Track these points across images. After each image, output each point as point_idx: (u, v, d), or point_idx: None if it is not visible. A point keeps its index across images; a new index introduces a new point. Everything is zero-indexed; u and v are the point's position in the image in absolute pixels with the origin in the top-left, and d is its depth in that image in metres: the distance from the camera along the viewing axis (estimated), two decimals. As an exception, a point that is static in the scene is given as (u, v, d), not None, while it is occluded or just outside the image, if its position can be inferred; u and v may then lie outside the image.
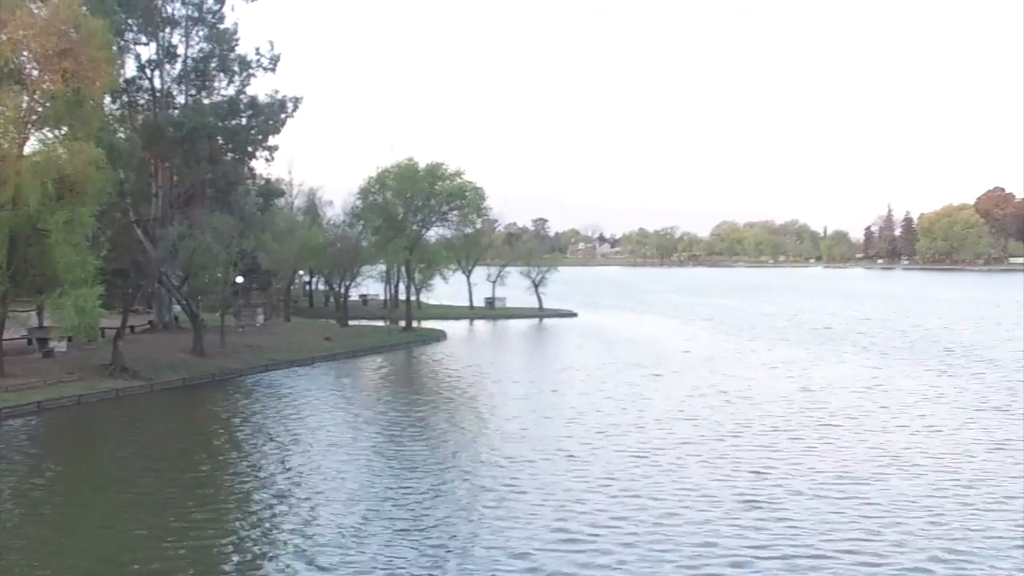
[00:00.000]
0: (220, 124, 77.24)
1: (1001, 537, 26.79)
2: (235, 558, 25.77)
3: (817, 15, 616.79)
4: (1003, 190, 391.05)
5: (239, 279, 73.36)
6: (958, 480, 33.13)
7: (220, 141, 78.10)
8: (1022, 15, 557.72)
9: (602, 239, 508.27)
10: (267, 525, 28.55)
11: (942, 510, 29.39)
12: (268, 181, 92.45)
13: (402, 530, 27.58)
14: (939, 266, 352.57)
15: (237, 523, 28.92)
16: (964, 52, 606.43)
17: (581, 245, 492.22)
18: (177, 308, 76.79)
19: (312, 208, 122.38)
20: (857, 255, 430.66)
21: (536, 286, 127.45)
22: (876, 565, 24.44)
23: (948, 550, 25.56)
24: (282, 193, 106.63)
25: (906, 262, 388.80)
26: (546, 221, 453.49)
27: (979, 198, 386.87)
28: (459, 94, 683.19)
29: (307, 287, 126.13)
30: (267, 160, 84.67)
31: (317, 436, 42.04)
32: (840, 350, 75.58)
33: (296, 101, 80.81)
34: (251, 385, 59.08)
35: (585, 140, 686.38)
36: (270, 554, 25.85)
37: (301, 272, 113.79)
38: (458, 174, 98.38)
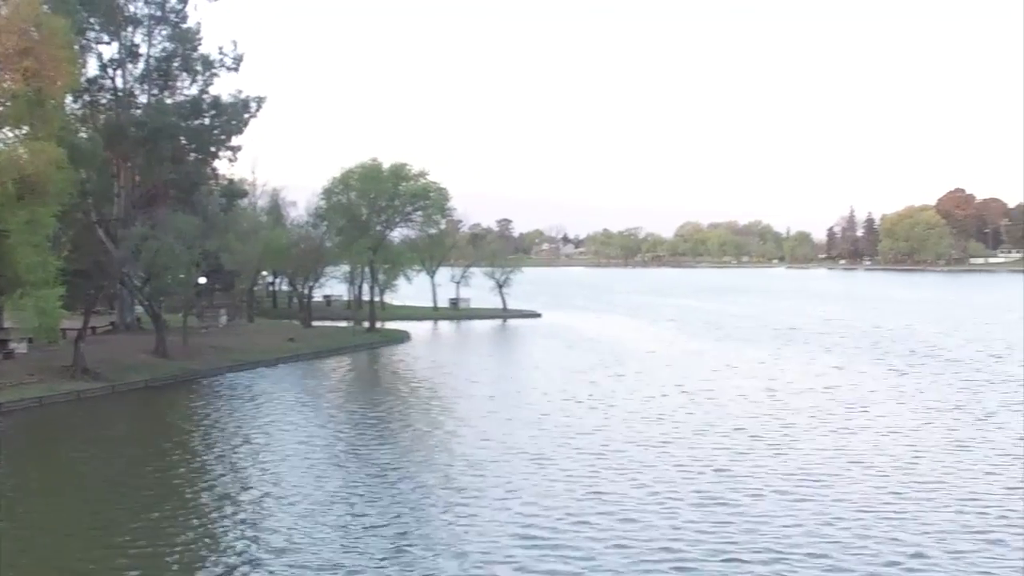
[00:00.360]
0: (183, 124, 76.94)
1: (961, 537, 27.08)
2: (186, 559, 25.60)
3: (782, 17, 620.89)
4: (964, 191, 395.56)
5: (202, 280, 73.04)
6: (917, 480, 33.43)
7: (183, 141, 77.79)
8: (984, 20, 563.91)
9: (566, 240, 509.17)
10: (221, 526, 28.46)
11: (904, 511, 29.63)
12: (231, 181, 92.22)
13: (366, 527, 27.63)
14: (901, 266, 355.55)
15: (192, 524, 28.76)
16: (925, 55, 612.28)
17: (545, 245, 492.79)
18: (139, 309, 76.34)
19: (276, 209, 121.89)
20: (820, 256, 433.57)
21: (500, 287, 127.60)
22: (839, 569, 24.60)
23: (908, 551, 25.78)
24: (245, 193, 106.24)
25: (868, 262, 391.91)
26: (510, 222, 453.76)
27: (940, 199, 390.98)
28: (423, 95, 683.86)
29: (271, 288, 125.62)
30: (230, 160, 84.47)
31: (279, 438, 41.92)
32: (804, 350, 76.11)
33: (259, 101, 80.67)
34: (214, 386, 58.85)
35: (550, 141, 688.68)
36: (222, 557, 25.73)
37: (265, 273, 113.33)
38: (422, 174, 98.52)
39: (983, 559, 25.14)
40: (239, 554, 25.76)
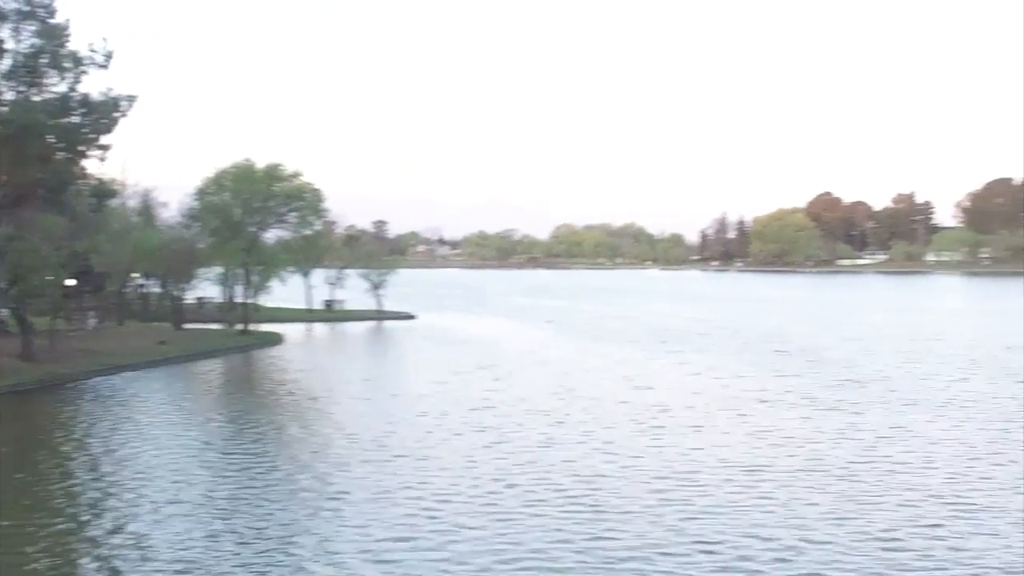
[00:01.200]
0: (51, 122, 75.16)
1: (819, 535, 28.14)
2: (39, 569, 25.23)
3: (651, 17, 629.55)
4: (832, 195, 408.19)
5: (70, 282, 71.59)
6: (787, 478, 34.60)
7: (51, 139, 76.06)
8: (851, 27, 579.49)
9: (442, 241, 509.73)
10: (81, 535, 28.13)
11: (766, 510, 30.73)
12: (101, 181, 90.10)
13: (235, 532, 27.74)
14: (771, 268, 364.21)
15: (50, 532, 28.30)
16: (792, 61, 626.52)
17: (421, 247, 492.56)
18: (4, 312, 74.53)
19: (147, 209, 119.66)
20: (692, 257, 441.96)
21: (375, 288, 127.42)
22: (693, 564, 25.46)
23: (765, 549, 26.69)
24: (116, 193, 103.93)
25: (740, 264, 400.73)
26: (386, 223, 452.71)
27: (809, 202, 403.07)
28: (297, 95, 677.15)
29: (141, 290, 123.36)
30: (100, 160, 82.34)
31: (149, 442, 41.45)
32: (678, 351, 77.67)
33: (130, 100, 79.09)
34: (83, 390, 57.84)
35: (425, 142, 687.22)
36: (78, 566, 25.56)
37: (135, 275, 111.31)
38: (296, 175, 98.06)
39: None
40: (99, 560, 25.60)
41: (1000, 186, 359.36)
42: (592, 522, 28.78)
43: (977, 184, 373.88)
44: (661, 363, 70.34)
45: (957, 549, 26.23)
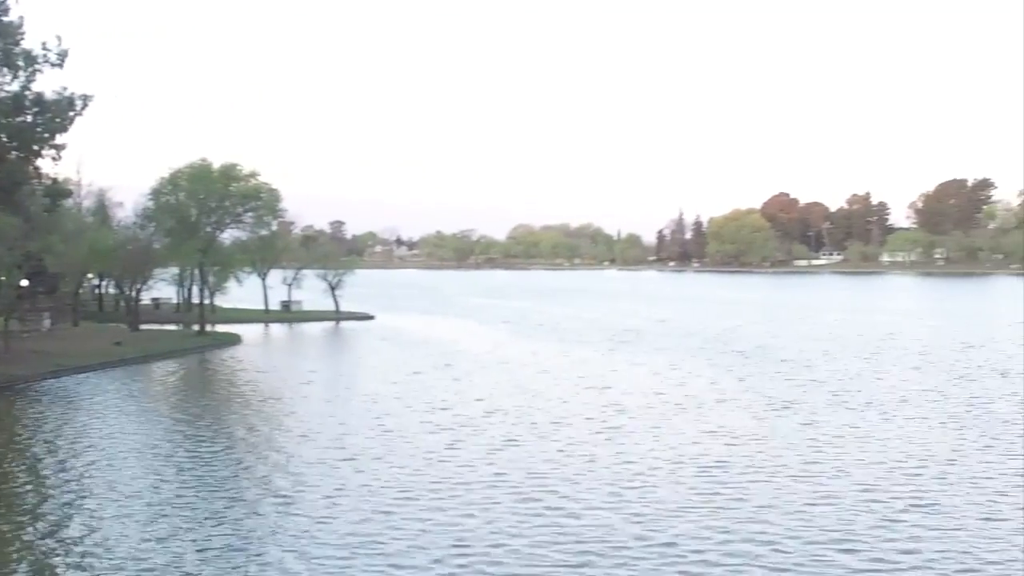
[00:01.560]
0: (4, 121, 74.53)
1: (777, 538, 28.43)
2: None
3: (606, 19, 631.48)
4: (788, 195, 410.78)
5: (24, 282, 70.97)
6: (739, 478, 34.91)
7: (4, 139, 75.40)
8: (806, 30, 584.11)
9: (400, 242, 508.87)
10: (25, 539, 27.87)
11: (715, 505, 31.09)
12: (55, 181, 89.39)
13: (186, 536, 27.57)
14: (728, 268, 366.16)
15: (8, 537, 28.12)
16: (747, 63, 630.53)
17: (379, 248, 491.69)
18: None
19: (102, 209, 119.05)
20: (650, 258, 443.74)
21: (333, 289, 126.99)
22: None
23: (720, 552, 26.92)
24: (70, 193, 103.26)
25: (697, 264, 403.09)
26: (343, 223, 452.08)
27: (765, 203, 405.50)
28: (252, 94, 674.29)
29: (97, 291, 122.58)
30: (54, 159, 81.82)
31: (105, 444, 41.14)
32: (636, 351, 77.95)
33: (85, 99, 78.57)
34: (37, 392, 57.27)
35: (382, 142, 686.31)
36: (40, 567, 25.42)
37: (90, 275, 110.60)
38: (253, 175, 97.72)
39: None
40: (38, 567, 25.42)
41: (953, 187, 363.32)
42: (547, 524, 28.91)
43: (930, 185, 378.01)
44: (616, 363, 70.65)
45: (910, 552, 26.46)
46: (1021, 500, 31.04)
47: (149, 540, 27.15)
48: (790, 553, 25.98)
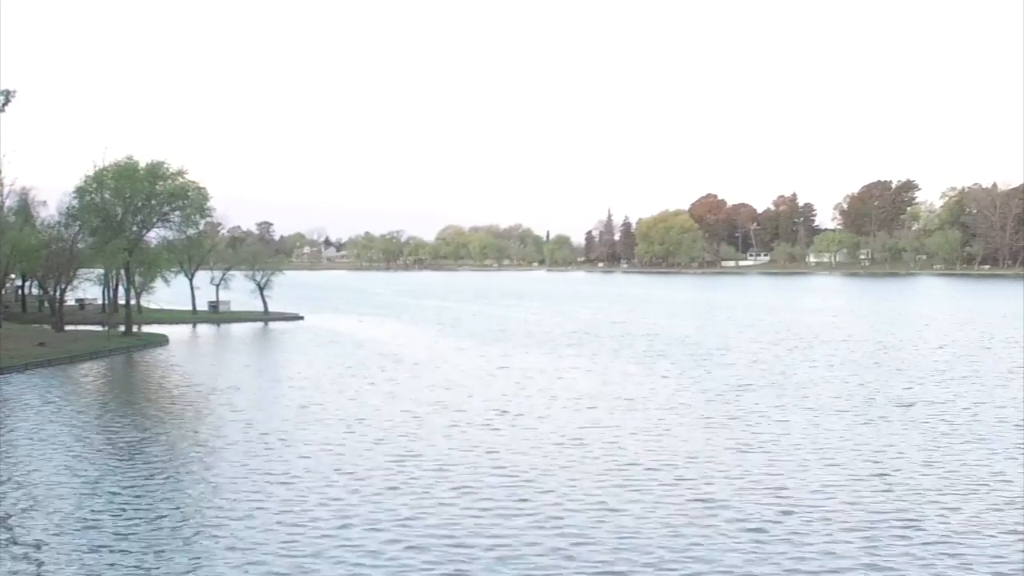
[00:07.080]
0: (-78, 119, 73.48)
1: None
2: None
3: (534, 20, 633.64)
4: (715, 197, 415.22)
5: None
6: (669, 476, 35.46)
7: (-78, 137, 74.31)
8: (728, 28, 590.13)
9: (328, 243, 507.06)
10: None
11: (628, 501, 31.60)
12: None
13: (108, 552, 27.10)
14: (656, 269, 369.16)
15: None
16: (672, 64, 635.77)
17: (307, 249, 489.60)
18: None
19: (24, 208, 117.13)
20: (579, 259, 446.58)
21: (261, 289, 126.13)
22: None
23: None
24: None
25: (625, 265, 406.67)
26: (271, 224, 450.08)
27: (693, 204, 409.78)
28: (181, 93, 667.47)
29: (20, 291, 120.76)
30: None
31: (27, 447, 40.34)
32: (563, 352, 78.29)
33: (7, 95, 77.71)
34: (-41, 393, 56.34)
35: (310, 143, 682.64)
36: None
37: (13, 276, 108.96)
38: (180, 173, 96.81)
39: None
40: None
41: (877, 189, 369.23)
42: (471, 527, 29.25)
43: (855, 187, 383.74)
44: (538, 361, 71.06)
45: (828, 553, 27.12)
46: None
47: (53, 555, 26.07)
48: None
